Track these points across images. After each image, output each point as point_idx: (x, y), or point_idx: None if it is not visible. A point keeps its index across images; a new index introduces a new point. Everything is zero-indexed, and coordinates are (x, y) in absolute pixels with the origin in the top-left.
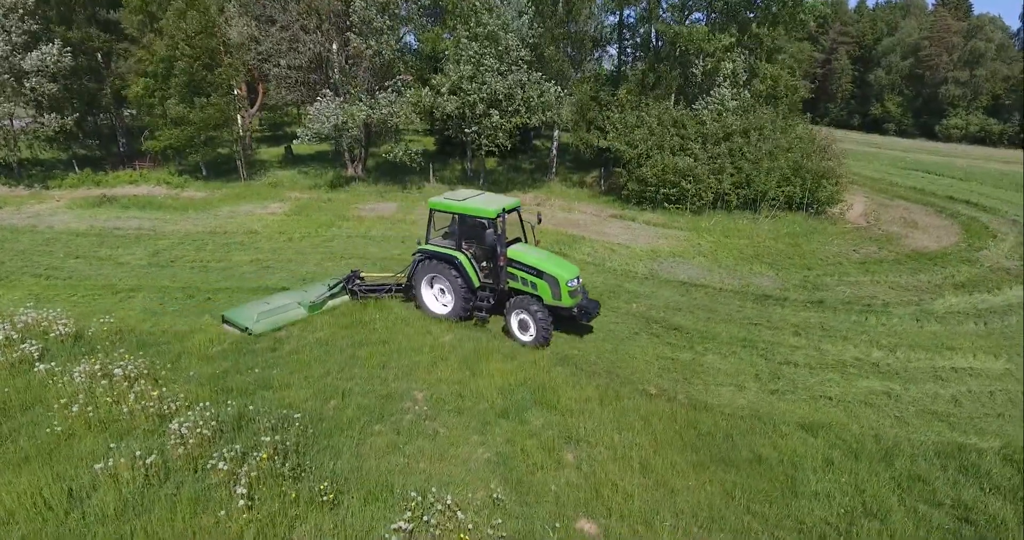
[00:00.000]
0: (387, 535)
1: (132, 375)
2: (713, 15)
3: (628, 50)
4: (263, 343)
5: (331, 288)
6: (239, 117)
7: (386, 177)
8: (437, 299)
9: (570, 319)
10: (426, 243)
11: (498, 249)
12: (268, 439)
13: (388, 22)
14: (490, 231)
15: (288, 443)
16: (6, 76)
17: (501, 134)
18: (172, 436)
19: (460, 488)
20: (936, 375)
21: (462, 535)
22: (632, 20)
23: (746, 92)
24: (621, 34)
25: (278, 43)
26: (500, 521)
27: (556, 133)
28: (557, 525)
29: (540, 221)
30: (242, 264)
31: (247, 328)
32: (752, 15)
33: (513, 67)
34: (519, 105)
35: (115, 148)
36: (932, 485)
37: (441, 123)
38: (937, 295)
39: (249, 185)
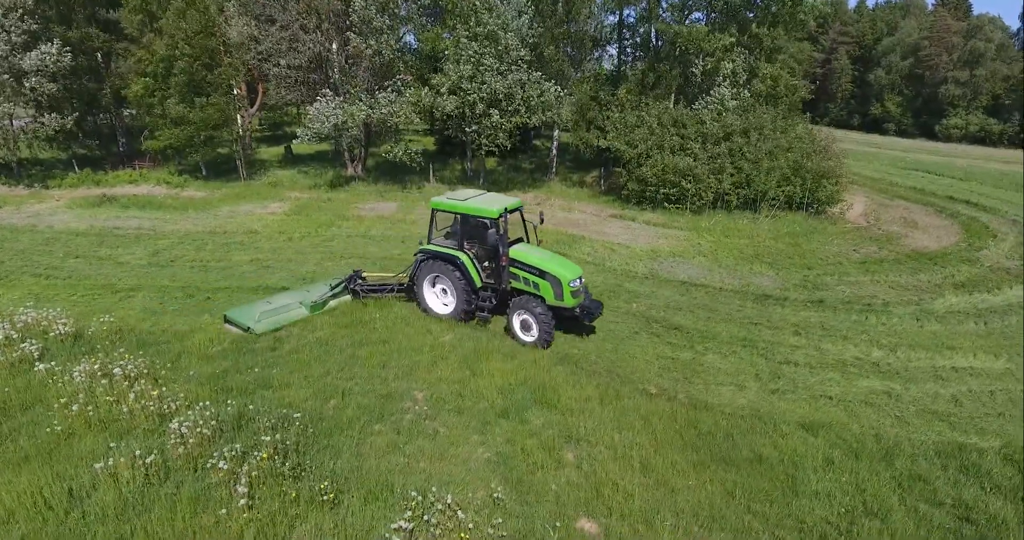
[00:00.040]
0: (387, 534)
1: (132, 374)
2: (713, 15)
3: (628, 50)
4: (263, 342)
5: (333, 288)
6: (239, 117)
7: (386, 177)
8: (439, 299)
9: (571, 319)
10: (428, 243)
11: (500, 249)
12: (268, 438)
13: (388, 22)
14: (492, 231)
15: (288, 442)
16: (6, 76)
17: (501, 134)
18: (172, 435)
19: (460, 487)
20: (936, 375)
21: (462, 534)
22: (632, 20)
23: (746, 92)
24: (621, 34)
25: (278, 43)
26: (500, 520)
27: (556, 133)
28: (557, 524)
29: (542, 221)
30: (242, 264)
31: (249, 327)
32: (752, 15)
33: (513, 67)
34: (519, 105)
35: (115, 148)
36: (933, 484)
37: (441, 123)
38: (937, 295)
39: (249, 185)
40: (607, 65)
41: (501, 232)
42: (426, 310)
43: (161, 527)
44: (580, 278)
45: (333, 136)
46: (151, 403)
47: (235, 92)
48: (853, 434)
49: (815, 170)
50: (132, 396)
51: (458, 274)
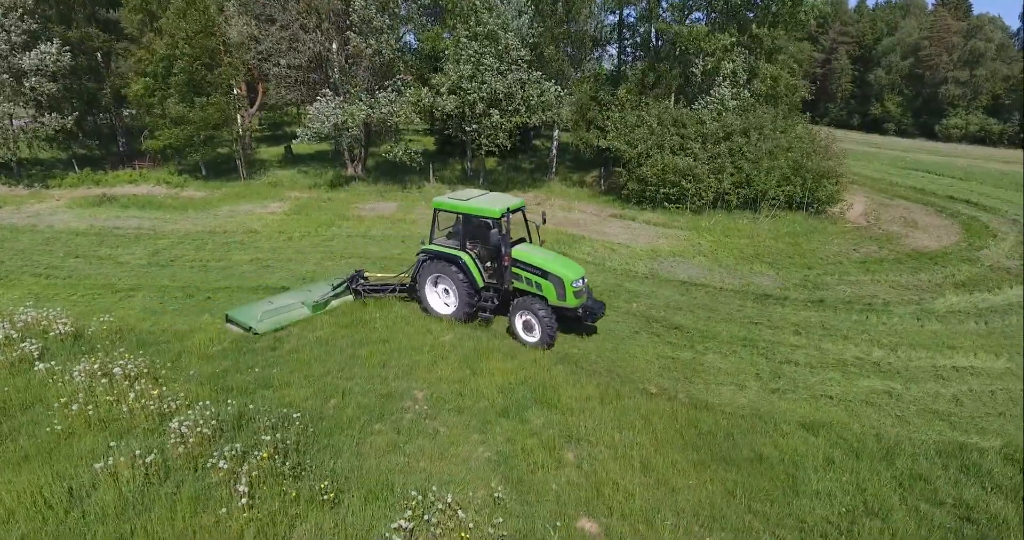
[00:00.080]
0: (387, 534)
1: (132, 374)
2: (713, 15)
3: (628, 49)
4: (263, 342)
5: (335, 288)
6: (239, 116)
7: (386, 177)
8: (441, 299)
9: (571, 319)
10: (430, 243)
11: (502, 249)
12: (268, 438)
13: (388, 21)
14: (494, 231)
15: (288, 442)
16: (5, 76)
17: (501, 134)
18: (172, 435)
19: (461, 487)
20: (937, 374)
21: (463, 534)
22: (632, 19)
23: (746, 92)
24: (621, 33)
25: (278, 42)
26: (501, 520)
27: (556, 133)
28: (558, 524)
29: (545, 221)
30: (242, 263)
31: (251, 327)
32: (752, 15)
33: (513, 66)
34: (519, 104)
35: (115, 148)
36: (933, 484)
37: (441, 122)
38: (938, 294)
39: (249, 184)
40: (607, 65)
41: (503, 232)
42: (428, 310)
43: (161, 527)
44: (583, 278)
45: (333, 136)
46: (151, 403)
47: (235, 92)
48: (854, 434)
49: (815, 170)
50: (132, 396)
51: (460, 274)
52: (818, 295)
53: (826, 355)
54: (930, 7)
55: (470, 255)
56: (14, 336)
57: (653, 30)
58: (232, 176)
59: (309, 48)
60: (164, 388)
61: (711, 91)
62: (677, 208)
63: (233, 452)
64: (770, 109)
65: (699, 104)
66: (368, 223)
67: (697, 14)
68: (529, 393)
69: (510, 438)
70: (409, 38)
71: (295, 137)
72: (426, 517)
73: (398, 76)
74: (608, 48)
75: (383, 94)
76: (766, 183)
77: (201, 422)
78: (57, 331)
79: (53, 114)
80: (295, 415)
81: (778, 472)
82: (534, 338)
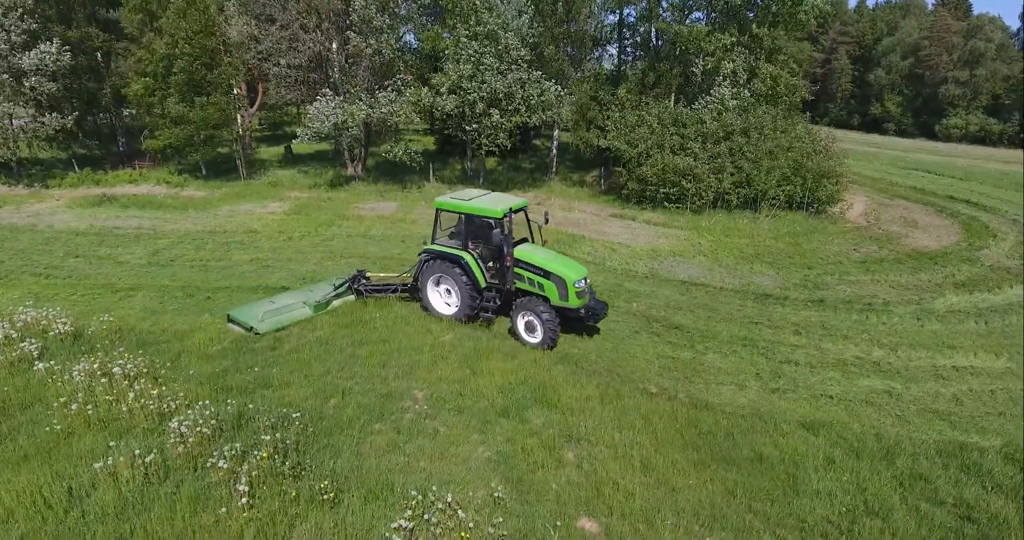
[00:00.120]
0: (388, 534)
1: (132, 374)
2: (713, 15)
3: (628, 49)
4: (263, 342)
5: (337, 288)
6: (239, 116)
7: (386, 176)
8: (443, 299)
9: (574, 319)
10: (432, 243)
11: (504, 249)
12: (268, 438)
13: (388, 21)
14: (497, 231)
15: (288, 442)
16: (5, 75)
17: (501, 133)
18: (172, 435)
19: (461, 487)
20: (937, 374)
21: (463, 533)
22: (632, 19)
23: (746, 92)
24: (621, 33)
25: (278, 42)
26: (501, 520)
27: (556, 132)
28: (558, 524)
29: (547, 221)
30: (242, 263)
31: (252, 327)
32: (752, 15)
33: (513, 66)
34: (519, 104)
35: (115, 147)
36: (934, 484)
37: (441, 122)
38: (938, 294)
39: (249, 184)
40: (607, 65)
41: (505, 232)
42: (430, 311)
43: (161, 526)
44: (585, 279)
45: (333, 136)
46: (151, 402)
47: (235, 92)
48: (854, 433)
49: (815, 170)
50: (132, 395)
51: (462, 274)
52: (818, 295)
53: (826, 355)
54: (930, 7)
55: (472, 255)
56: (14, 336)
57: (653, 30)
58: (232, 176)
59: (309, 48)
60: (164, 388)
61: (711, 91)
62: (677, 208)
63: (233, 452)
64: (770, 109)
65: (699, 104)
66: (368, 223)
67: (697, 14)
68: (529, 393)
69: (510, 438)
70: (409, 38)
71: (295, 137)
72: (426, 517)
73: (398, 76)
74: (608, 48)
75: (383, 94)
76: (766, 183)
77: (201, 422)
78: (57, 331)
79: (53, 114)
80: (295, 415)
81: (778, 472)
82: (536, 339)
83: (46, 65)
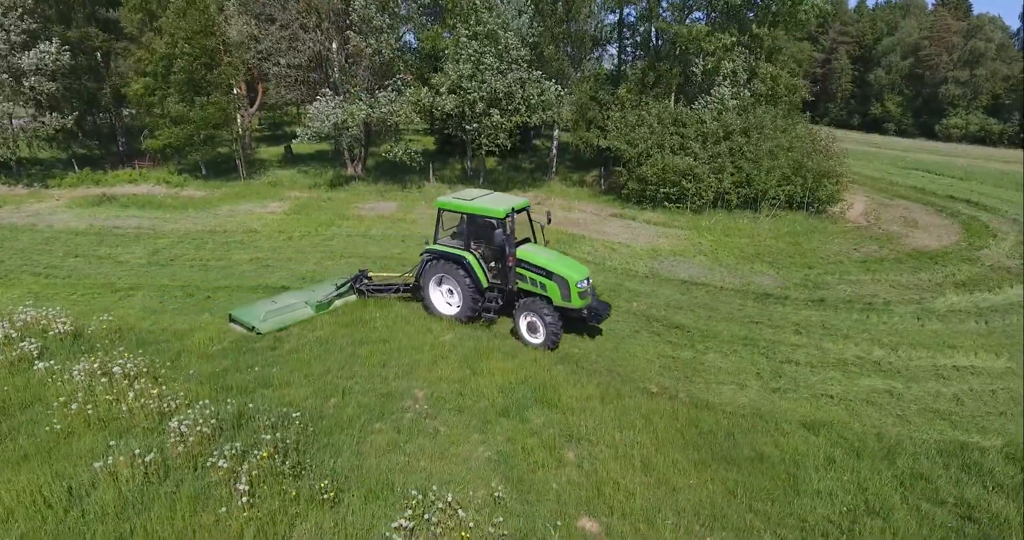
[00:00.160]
0: (388, 533)
1: (132, 373)
2: (713, 14)
3: (628, 49)
4: (263, 341)
5: (339, 288)
6: (239, 116)
7: (386, 176)
8: (444, 299)
9: (577, 320)
10: (434, 243)
11: (507, 249)
12: (268, 437)
13: (388, 21)
14: (499, 231)
15: (288, 441)
16: (5, 75)
17: (501, 133)
18: (172, 434)
19: (461, 486)
20: (938, 373)
21: (463, 533)
22: (632, 19)
23: (746, 91)
24: (621, 33)
25: (277, 42)
26: (501, 519)
27: (556, 132)
28: (558, 523)
29: (550, 221)
30: (242, 263)
31: (254, 327)
32: (752, 15)
33: (513, 66)
34: (519, 104)
35: (115, 147)
36: (935, 483)
37: (441, 122)
38: (938, 294)
39: (249, 184)
40: (607, 64)
41: (508, 232)
42: (432, 310)
43: (161, 526)
44: (587, 279)
45: (333, 135)
46: (151, 402)
47: (235, 91)
48: (855, 433)
49: (815, 169)
50: (132, 395)
51: (464, 274)
52: (819, 294)
53: (827, 354)
54: (930, 7)
55: (474, 255)
56: (13, 335)
57: (653, 30)
58: (232, 176)
59: (309, 47)
60: (164, 387)
61: (711, 91)
62: (677, 207)
63: (233, 451)
64: (770, 109)
65: (699, 104)
66: (368, 223)
67: (697, 14)
68: (529, 393)
69: (510, 438)
70: (409, 37)
71: (295, 137)
72: (426, 516)
73: (398, 76)
74: (608, 48)
75: (383, 94)
76: (766, 183)
77: (201, 421)
78: (56, 330)
79: (53, 114)
80: (295, 414)
81: (779, 471)
82: (538, 339)
83: (46, 65)
